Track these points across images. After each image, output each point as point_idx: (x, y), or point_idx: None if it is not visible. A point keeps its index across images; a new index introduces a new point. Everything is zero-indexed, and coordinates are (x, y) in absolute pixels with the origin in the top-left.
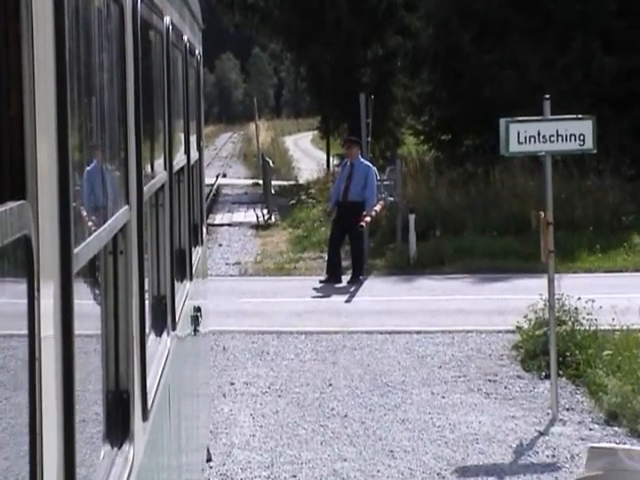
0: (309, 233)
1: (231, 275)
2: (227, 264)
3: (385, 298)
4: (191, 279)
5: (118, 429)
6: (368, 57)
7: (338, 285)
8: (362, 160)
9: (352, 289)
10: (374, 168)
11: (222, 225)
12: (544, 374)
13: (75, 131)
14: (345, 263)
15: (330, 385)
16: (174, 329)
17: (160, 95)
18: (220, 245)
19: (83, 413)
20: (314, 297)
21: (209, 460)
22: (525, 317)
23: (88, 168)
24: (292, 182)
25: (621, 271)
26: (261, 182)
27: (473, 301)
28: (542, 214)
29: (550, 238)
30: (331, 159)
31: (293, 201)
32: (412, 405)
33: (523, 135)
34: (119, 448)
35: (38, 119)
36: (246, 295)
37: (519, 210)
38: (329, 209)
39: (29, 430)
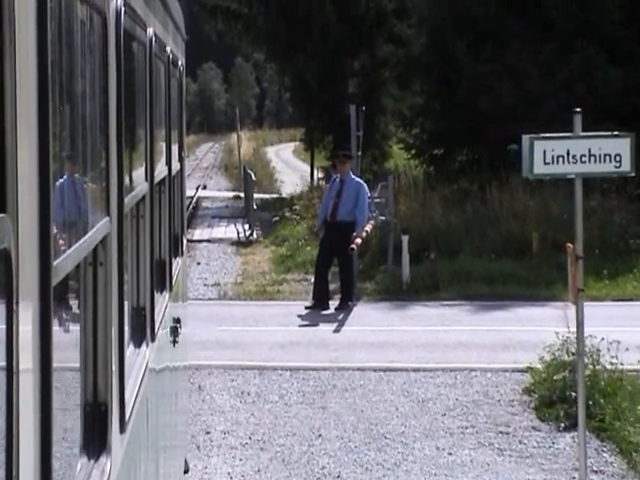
0: (293, 252)
1: (209, 298)
2: (205, 285)
3: (377, 328)
4: (171, 290)
5: (95, 441)
6: (355, 67)
7: (325, 312)
8: (353, 176)
9: (341, 317)
10: (365, 185)
11: (201, 241)
12: (563, 425)
13: (56, 143)
14: (332, 286)
15: (319, 436)
16: (153, 340)
17: (142, 106)
18: (198, 263)
19: (60, 425)
20: (300, 326)
21: (187, 471)
22: (541, 359)
23: (69, 180)
24: (275, 195)
25: (631, 300)
26: (242, 195)
27: (473, 333)
28: (570, 246)
29: (580, 274)
30: (315, 172)
31: (277, 218)
32: (415, 463)
33: (550, 154)
34: (96, 461)
35: (19, 130)
36: (225, 322)
37: (519, 231)
38: (316, 229)
39: (5, 441)
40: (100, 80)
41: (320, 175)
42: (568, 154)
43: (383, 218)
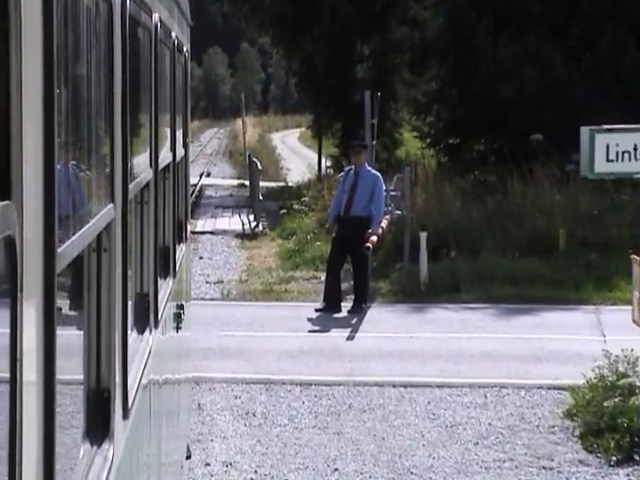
0: (302, 247)
1: (212, 299)
2: (208, 283)
3: (394, 334)
4: (174, 276)
5: (98, 428)
6: (365, 51)
7: (337, 315)
8: (369, 168)
9: (354, 321)
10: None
11: (204, 233)
12: (615, 459)
13: (61, 129)
14: (344, 284)
15: (335, 470)
16: (156, 327)
17: (147, 92)
18: (201, 258)
19: (63, 411)
20: (310, 331)
21: (188, 457)
22: (588, 382)
23: (73, 167)
24: (281, 184)
25: None
26: (247, 183)
27: (500, 341)
28: (637, 258)
29: None
30: (323, 160)
31: (284, 210)
32: None
33: (614, 150)
34: (99, 447)
35: (24, 118)
36: (229, 326)
37: (545, 228)
38: (328, 225)
39: (8, 428)
40: (105, 66)
41: (328, 164)
42: (635, 149)
43: (399, 213)
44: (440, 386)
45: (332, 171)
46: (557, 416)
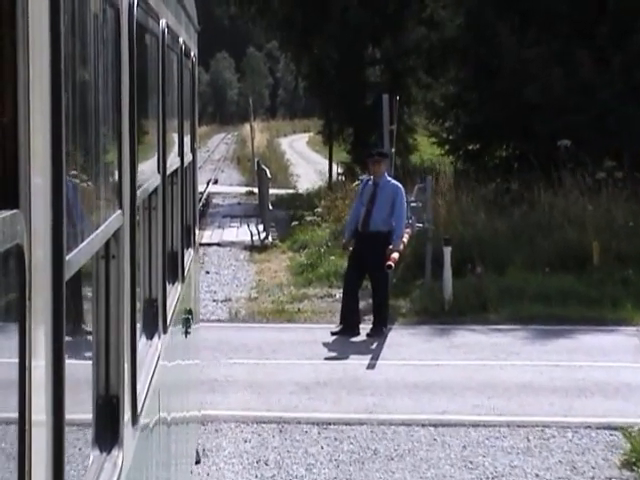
0: (314, 261)
1: (219, 320)
2: (214, 301)
3: (419, 362)
4: (183, 281)
5: (107, 434)
6: (377, 54)
7: (355, 339)
8: (388, 178)
9: (374, 346)
10: (403, 188)
11: (211, 245)
12: None
13: (69, 137)
14: (362, 304)
15: None
16: (165, 332)
17: (155, 98)
18: (207, 272)
19: (72, 417)
20: (326, 359)
21: (198, 462)
22: None
23: (81, 174)
24: (290, 191)
25: None
26: (256, 190)
27: (536, 369)
28: None
29: None
30: (334, 167)
31: (295, 222)
32: None
33: None
34: (108, 453)
35: (32, 125)
36: (237, 353)
37: (576, 240)
38: (345, 241)
39: (18, 434)
40: (113, 72)
41: (340, 170)
42: None
43: (420, 225)
44: (475, 425)
45: (344, 178)
46: (613, 465)
